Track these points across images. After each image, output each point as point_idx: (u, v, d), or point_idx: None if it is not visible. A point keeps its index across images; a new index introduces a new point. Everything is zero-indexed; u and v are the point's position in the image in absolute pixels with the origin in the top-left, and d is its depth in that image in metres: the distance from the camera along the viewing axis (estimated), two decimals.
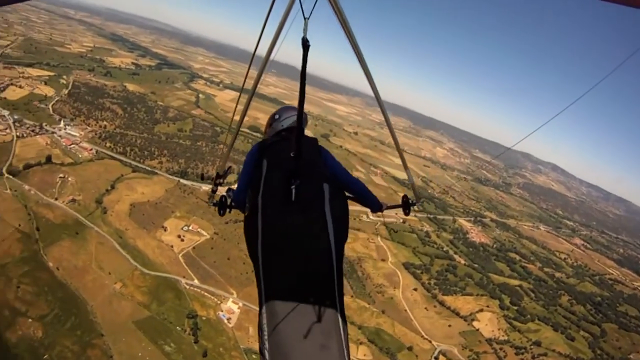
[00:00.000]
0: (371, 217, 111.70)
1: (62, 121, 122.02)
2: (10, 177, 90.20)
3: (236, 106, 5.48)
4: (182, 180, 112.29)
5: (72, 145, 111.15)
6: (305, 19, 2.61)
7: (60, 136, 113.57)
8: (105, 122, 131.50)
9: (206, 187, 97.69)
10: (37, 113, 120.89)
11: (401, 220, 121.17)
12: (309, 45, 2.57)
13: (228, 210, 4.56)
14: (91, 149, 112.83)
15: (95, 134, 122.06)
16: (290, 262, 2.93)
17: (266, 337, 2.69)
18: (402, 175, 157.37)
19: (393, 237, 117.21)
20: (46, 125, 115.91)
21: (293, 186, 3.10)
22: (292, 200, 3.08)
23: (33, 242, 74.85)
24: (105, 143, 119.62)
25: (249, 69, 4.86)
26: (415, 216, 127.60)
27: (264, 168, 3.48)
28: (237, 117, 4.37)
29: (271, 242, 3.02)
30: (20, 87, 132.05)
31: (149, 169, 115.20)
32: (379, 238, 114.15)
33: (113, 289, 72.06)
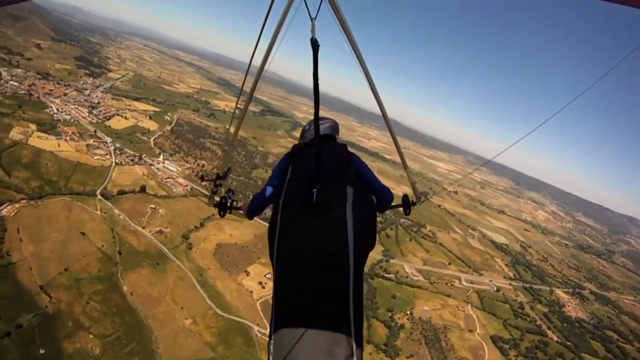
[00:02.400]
0: (464, 283, 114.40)
1: (161, 155, 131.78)
2: (103, 199, 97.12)
3: (236, 107, 6.53)
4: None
5: (168, 179, 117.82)
6: (312, 19, 2.90)
7: (157, 169, 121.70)
8: (203, 161, 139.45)
9: None
10: (138, 144, 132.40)
11: (495, 289, 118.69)
12: (318, 46, 2.80)
13: (228, 211, 5.70)
14: (186, 185, 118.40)
15: (192, 171, 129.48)
16: (302, 267, 3.06)
17: None
18: (500, 239, 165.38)
19: (484, 306, 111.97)
20: (145, 156, 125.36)
21: (315, 189, 3.28)
22: (312, 203, 3.26)
23: (112, 264, 78.58)
24: (201, 181, 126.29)
25: (248, 69, 5.42)
26: (510, 284, 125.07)
27: (289, 173, 3.81)
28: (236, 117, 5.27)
29: (286, 244, 3.24)
30: (126, 118, 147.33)
31: (241, 212, 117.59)
32: (469, 306, 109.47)
33: (182, 324, 72.96)
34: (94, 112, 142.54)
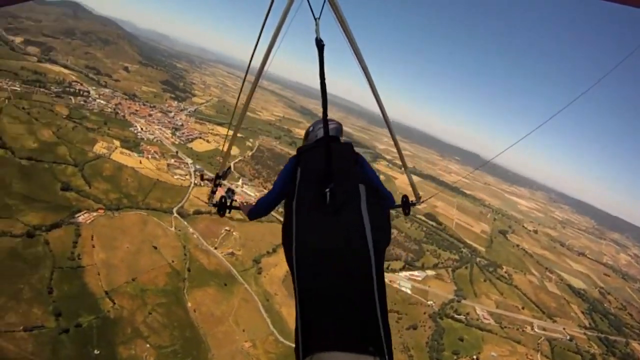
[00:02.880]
0: (536, 329, 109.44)
1: (240, 179, 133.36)
2: (179, 217, 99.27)
3: (236, 105, 6.38)
4: None
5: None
6: (316, 19, 3.10)
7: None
8: None
9: None
10: (218, 167, 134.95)
11: (568, 337, 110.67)
12: (323, 45, 3.03)
13: (227, 210, 5.92)
14: None
15: None
16: (325, 271, 2.96)
17: None
18: (578, 283, 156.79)
19: (555, 356, 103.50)
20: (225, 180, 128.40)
21: (327, 189, 3.34)
22: (326, 203, 3.29)
23: (180, 280, 79.77)
24: (278, 208, 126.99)
25: (247, 70, 5.42)
26: (584, 334, 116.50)
27: (298, 175, 3.83)
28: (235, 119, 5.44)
29: (304, 247, 3.12)
30: (208, 141, 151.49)
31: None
32: (539, 355, 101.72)
33: (241, 346, 72.62)
34: (177, 133, 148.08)
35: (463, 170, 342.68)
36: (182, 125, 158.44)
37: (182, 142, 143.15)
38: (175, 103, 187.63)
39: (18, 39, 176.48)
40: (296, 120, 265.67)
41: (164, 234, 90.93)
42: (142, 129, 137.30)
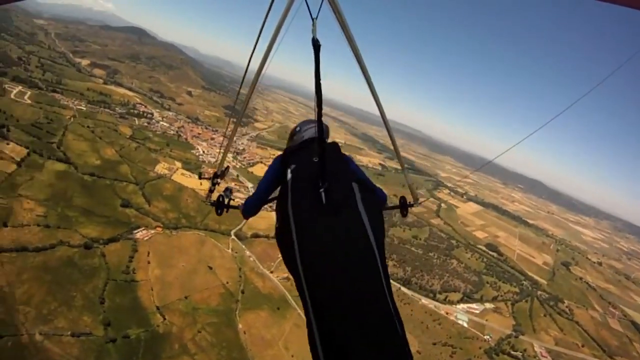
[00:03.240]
0: None
1: None
2: (236, 239, 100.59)
3: (236, 103, 7.19)
4: (402, 288, 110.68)
5: None
6: (313, 19, 3.11)
7: None
8: None
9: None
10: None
11: None
12: (319, 45, 2.98)
13: (225, 210, 5.83)
14: None
15: None
16: (333, 269, 2.89)
17: None
18: None
19: None
20: None
21: (322, 189, 3.26)
22: (323, 203, 3.20)
23: (232, 302, 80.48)
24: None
25: (246, 72, 5.65)
26: None
27: (289, 176, 3.70)
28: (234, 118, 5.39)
29: (308, 249, 3.03)
30: (267, 165, 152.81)
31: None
32: None
33: None
34: (239, 157, 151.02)
35: (526, 198, 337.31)
36: (244, 149, 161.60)
37: (243, 166, 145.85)
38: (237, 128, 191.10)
39: (84, 62, 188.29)
40: (358, 146, 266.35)
41: (220, 255, 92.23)
42: (203, 151, 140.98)
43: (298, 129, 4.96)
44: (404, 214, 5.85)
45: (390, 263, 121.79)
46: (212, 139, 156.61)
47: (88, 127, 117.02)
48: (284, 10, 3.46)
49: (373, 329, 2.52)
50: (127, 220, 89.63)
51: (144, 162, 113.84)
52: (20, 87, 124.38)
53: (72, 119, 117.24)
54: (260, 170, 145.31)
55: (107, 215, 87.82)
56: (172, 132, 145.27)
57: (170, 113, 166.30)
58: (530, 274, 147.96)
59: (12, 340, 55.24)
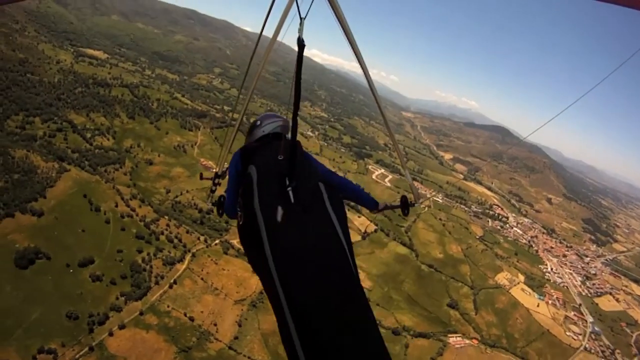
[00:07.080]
0: None
1: None
2: None
3: (236, 103, 6.97)
4: None
5: None
6: (301, 19, 3.17)
7: None
8: None
9: None
10: (618, 336, 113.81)
11: None
12: (304, 45, 3.12)
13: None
14: None
15: None
16: (308, 268, 2.92)
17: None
18: None
19: None
20: (618, 352, 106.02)
21: (289, 188, 3.33)
22: (292, 202, 3.26)
23: None
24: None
25: (247, 71, 5.58)
26: None
27: (254, 174, 3.71)
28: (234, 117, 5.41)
29: (280, 248, 3.03)
30: (617, 300, 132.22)
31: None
32: None
33: None
34: (587, 283, 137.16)
35: None
36: (595, 274, 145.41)
37: (589, 295, 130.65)
38: (593, 247, 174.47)
39: (447, 156, 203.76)
40: None
41: None
42: (552, 269, 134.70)
43: (258, 122, 5.02)
44: (405, 213, 5.73)
45: None
46: (565, 256, 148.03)
47: (440, 219, 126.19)
48: (283, 12, 3.46)
49: (355, 323, 2.66)
50: (447, 320, 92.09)
51: (486, 267, 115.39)
52: (382, 170, 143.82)
53: (426, 208, 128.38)
54: (606, 304, 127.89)
55: (429, 309, 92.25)
56: (524, 240, 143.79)
57: (526, 220, 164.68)
58: None
59: None
